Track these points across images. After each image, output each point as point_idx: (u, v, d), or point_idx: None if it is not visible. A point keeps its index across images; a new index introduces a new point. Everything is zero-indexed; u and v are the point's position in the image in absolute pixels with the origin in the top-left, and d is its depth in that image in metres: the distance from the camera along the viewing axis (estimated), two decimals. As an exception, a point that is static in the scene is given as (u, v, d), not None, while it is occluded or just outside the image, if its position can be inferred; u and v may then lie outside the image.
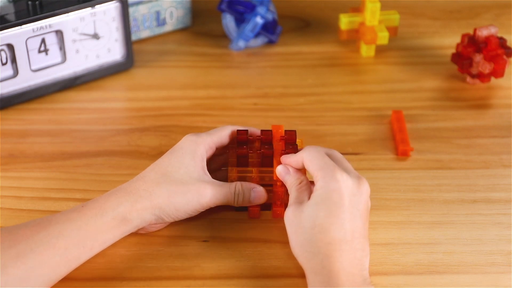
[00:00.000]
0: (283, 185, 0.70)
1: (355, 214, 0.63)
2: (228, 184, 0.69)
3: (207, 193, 0.67)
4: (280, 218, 0.72)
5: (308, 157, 0.66)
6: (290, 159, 0.68)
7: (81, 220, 0.63)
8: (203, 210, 0.68)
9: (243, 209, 0.72)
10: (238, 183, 0.69)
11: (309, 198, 0.64)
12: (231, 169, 0.70)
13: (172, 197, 0.66)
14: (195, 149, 0.69)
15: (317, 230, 0.61)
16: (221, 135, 0.71)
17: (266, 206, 0.73)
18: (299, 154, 0.67)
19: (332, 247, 0.61)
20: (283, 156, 0.69)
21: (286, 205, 0.72)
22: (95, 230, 0.63)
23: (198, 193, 0.67)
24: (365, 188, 0.65)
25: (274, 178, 0.70)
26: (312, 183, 0.66)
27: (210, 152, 0.70)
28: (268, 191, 0.71)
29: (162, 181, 0.67)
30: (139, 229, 0.68)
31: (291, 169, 0.68)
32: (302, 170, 0.68)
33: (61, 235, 0.62)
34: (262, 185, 0.70)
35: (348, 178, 0.64)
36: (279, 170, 0.68)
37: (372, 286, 0.62)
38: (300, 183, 0.66)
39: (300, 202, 0.64)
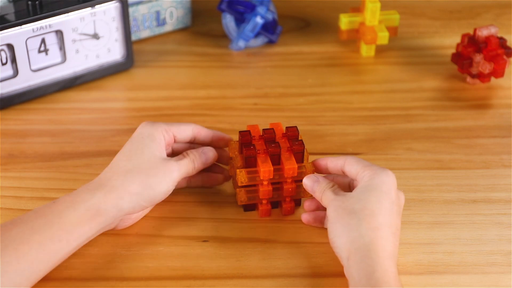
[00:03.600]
0: (293, 182, 0.71)
1: (398, 210, 0.65)
2: (182, 155, 0.70)
3: (174, 168, 0.68)
4: (289, 215, 0.73)
5: (352, 159, 0.68)
6: (329, 159, 0.70)
7: (53, 215, 0.63)
8: (174, 186, 0.69)
9: (251, 208, 0.73)
10: (190, 151, 0.71)
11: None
12: (240, 171, 0.70)
13: (145, 179, 0.66)
14: (152, 132, 0.69)
15: (367, 213, 0.62)
16: (180, 126, 0.72)
17: (274, 204, 0.73)
18: (338, 158, 0.69)
19: (379, 233, 0.62)
20: (322, 159, 0.70)
21: (296, 202, 0.72)
22: (69, 224, 0.63)
23: (168, 170, 0.68)
24: (403, 196, 0.68)
25: (285, 176, 0.70)
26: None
27: (168, 138, 0.70)
28: (277, 189, 0.71)
29: (131, 166, 0.67)
30: (117, 225, 0.68)
31: (319, 176, 0.69)
32: (330, 178, 0.70)
33: (34, 231, 0.62)
34: (272, 184, 0.71)
35: (394, 176, 0.66)
36: (307, 181, 0.69)
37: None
38: (333, 186, 0.67)
39: (343, 195, 0.66)
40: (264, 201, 0.72)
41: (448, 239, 0.71)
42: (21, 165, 0.80)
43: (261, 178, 0.70)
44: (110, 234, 0.69)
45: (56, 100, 0.90)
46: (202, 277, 0.67)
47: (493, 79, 0.93)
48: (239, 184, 0.70)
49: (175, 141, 0.72)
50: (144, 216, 0.71)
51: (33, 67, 0.88)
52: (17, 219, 0.63)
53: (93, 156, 0.81)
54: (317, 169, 0.71)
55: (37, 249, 0.61)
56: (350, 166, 0.68)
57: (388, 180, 0.65)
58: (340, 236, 0.63)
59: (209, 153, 0.72)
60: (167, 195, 0.69)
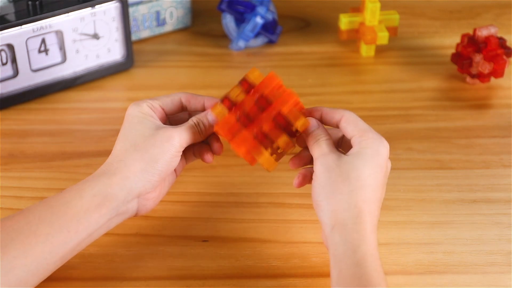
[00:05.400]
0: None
1: (385, 183, 0.65)
2: (186, 122, 0.68)
3: (173, 134, 0.66)
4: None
5: (350, 116, 0.66)
6: (324, 110, 0.68)
7: (60, 205, 0.62)
8: (179, 154, 0.66)
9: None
10: (193, 117, 0.68)
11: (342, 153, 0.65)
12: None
13: (146, 153, 0.65)
14: (139, 109, 0.68)
15: (361, 184, 0.62)
16: (166, 98, 0.70)
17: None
18: (336, 110, 0.67)
19: (367, 207, 0.61)
20: (316, 108, 0.68)
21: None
22: (76, 212, 0.62)
23: (166, 137, 0.65)
24: (390, 164, 0.66)
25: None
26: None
27: (158, 113, 0.68)
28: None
29: (128, 146, 0.66)
30: (138, 210, 0.66)
31: (321, 125, 0.67)
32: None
33: (41, 222, 0.61)
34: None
35: (388, 147, 0.65)
36: (312, 121, 0.67)
37: None
38: (328, 139, 0.66)
39: (337, 154, 0.64)
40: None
41: (448, 239, 0.71)
42: (21, 165, 0.80)
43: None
44: (110, 234, 0.69)
45: (56, 100, 0.90)
46: (202, 277, 0.67)
47: (492, 79, 0.93)
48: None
49: (166, 114, 0.70)
50: (144, 216, 0.71)
51: (33, 67, 0.88)
52: (24, 210, 0.62)
53: (93, 156, 0.81)
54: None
55: (45, 241, 0.60)
56: (347, 124, 0.66)
57: (384, 152, 0.64)
58: (329, 201, 0.62)
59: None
60: (175, 164, 0.66)
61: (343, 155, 0.64)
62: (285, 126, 0.66)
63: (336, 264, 0.60)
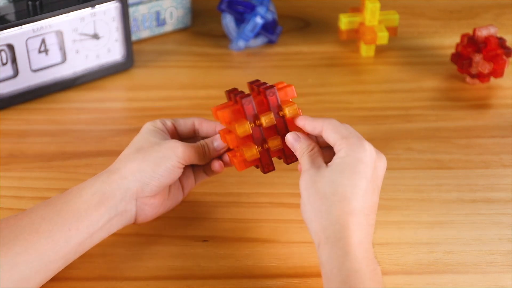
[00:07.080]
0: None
1: (374, 188, 0.62)
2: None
3: (178, 144, 0.67)
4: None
5: (330, 125, 0.64)
6: (307, 121, 0.66)
7: (61, 204, 0.64)
8: (181, 167, 0.67)
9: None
10: (201, 140, 0.69)
11: (325, 164, 0.63)
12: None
13: (147, 156, 0.66)
14: (153, 123, 0.70)
15: (338, 198, 0.60)
16: (180, 120, 0.71)
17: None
18: (317, 120, 0.65)
19: (350, 219, 0.59)
20: (300, 117, 0.67)
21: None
22: (77, 211, 0.63)
23: (171, 147, 0.66)
24: (384, 163, 0.64)
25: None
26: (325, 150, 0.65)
27: (169, 129, 0.70)
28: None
29: (134, 150, 0.67)
30: (137, 215, 0.67)
31: (301, 136, 0.66)
32: (312, 137, 0.66)
33: (43, 220, 0.62)
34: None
35: (373, 149, 0.63)
36: (289, 137, 0.66)
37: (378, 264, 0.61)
38: (312, 150, 0.64)
39: (317, 168, 0.62)
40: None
41: (448, 239, 0.71)
42: (21, 165, 0.80)
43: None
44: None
45: (56, 100, 0.90)
46: (202, 277, 0.67)
47: (492, 79, 0.94)
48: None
49: (178, 133, 0.71)
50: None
51: (33, 67, 0.88)
52: (27, 210, 0.64)
53: (93, 156, 0.81)
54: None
55: (47, 238, 0.61)
56: (328, 134, 0.64)
57: (364, 157, 0.61)
58: (312, 220, 0.61)
59: (220, 139, 0.69)
60: (175, 175, 0.67)
61: (323, 168, 0.62)
62: (283, 132, 0.67)
63: (326, 282, 0.59)
